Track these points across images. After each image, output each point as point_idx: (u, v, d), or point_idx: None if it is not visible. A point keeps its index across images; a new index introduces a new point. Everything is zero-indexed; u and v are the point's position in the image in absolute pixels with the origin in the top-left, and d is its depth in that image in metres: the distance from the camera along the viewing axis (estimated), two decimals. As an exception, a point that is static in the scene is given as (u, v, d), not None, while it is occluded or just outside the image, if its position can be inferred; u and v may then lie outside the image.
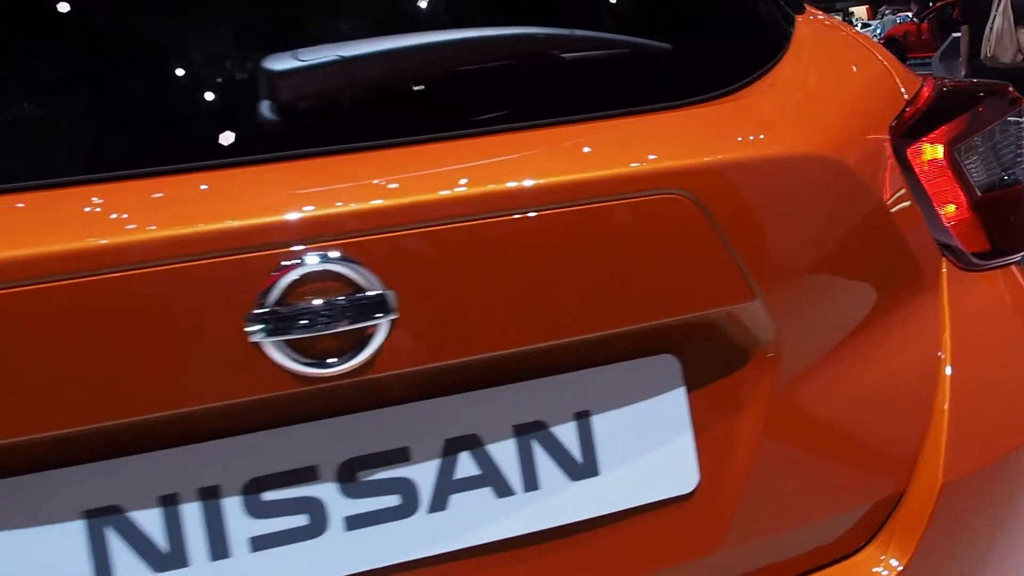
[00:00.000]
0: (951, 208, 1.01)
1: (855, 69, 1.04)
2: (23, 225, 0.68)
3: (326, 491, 0.75)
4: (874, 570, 0.88)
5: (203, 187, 0.72)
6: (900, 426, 0.92)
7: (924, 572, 0.89)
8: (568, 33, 0.84)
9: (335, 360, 0.70)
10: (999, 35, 5.90)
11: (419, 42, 0.78)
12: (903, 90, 1.03)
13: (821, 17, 1.13)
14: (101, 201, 0.69)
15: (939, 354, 0.95)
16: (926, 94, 1.03)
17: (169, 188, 0.71)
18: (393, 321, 0.71)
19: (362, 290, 0.70)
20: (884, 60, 1.09)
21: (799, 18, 1.05)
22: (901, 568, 0.88)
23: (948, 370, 0.94)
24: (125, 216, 0.69)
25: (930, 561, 0.89)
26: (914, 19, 9.91)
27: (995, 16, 5.99)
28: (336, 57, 0.75)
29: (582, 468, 0.80)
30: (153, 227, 0.68)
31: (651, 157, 0.79)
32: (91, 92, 0.79)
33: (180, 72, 0.83)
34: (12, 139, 0.76)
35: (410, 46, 0.78)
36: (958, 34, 6.89)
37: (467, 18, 0.89)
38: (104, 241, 0.66)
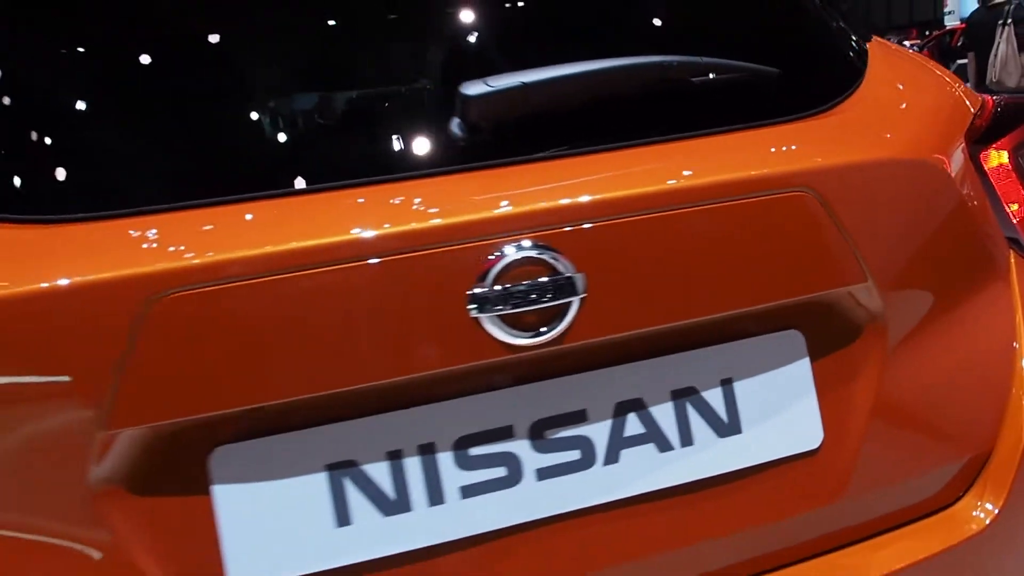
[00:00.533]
0: (1015, 206, 1.16)
1: (925, 84, 1.19)
2: (299, 224, 0.82)
3: (520, 447, 0.89)
4: (974, 514, 1.01)
5: (415, 194, 0.87)
6: (987, 392, 1.06)
7: (1016, 514, 1.02)
8: (698, 60, 1.00)
9: (536, 332, 0.84)
10: (1003, 61, 6.12)
11: (581, 70, 0.94)
12: (968, 103, 1.18)
13: (883, 42, 1.29)
14: (357, 202, 0.84)
15: (1014, 331, 1.09)
16: (990, 107, 1.18)
17: (400, 192, 0.85)
18: (582, 299, 0.85)
19: (558, 273, 0.84)
20: (946, 76, 1.24)
21: (869, 44, 1.21)
22: (997, 511, 1.01)
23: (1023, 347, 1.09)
24: (365, 216, 0.83)
25: (1021, 504, 1.02)
26: (915, 48, 10.15)
27: (999, 43, 6.22)
28: (518, 83, 0.90)
29: (728, 427, 0.94)
30: (388, 225, 0.82)
31: (780, 162, 0.94)
32: (352, 116, 0.95)
33: (407, 98, 0.99)
34: (301, 151, 0.92)
35: (574, 73, 0.93)
36: (962, 61, 7.13)
37: (609, 49, 1.05)
38: (358, 235, 0.81)
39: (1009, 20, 6.33)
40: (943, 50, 9.26)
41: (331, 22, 1.04)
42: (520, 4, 1.11)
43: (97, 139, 0.90)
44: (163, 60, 0.94)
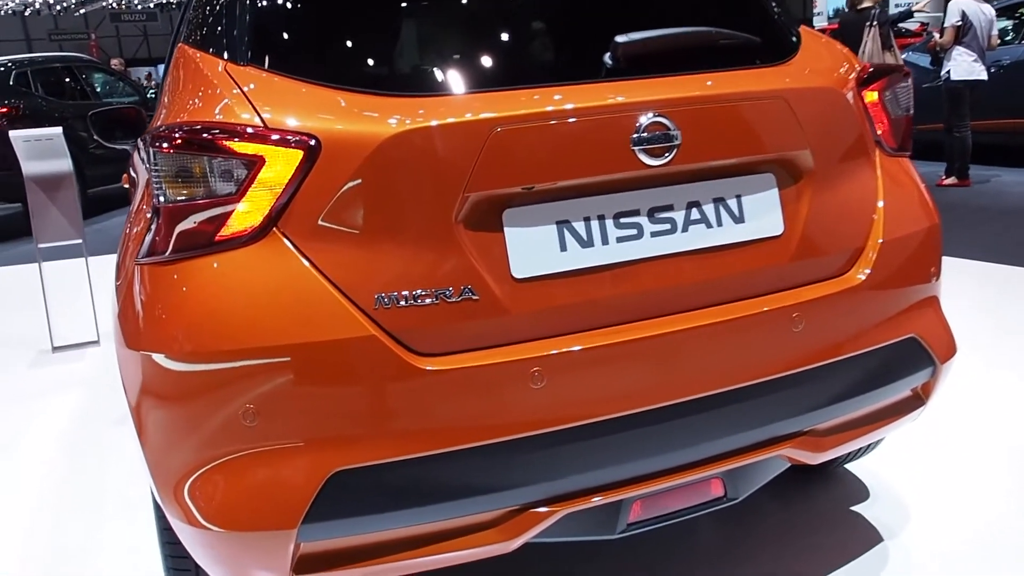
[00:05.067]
0: (880, 125, 2.12)
1: (834, 52, 2.14)
2: (564, 99, 1.70)
3: (643, 220, 1.77)
4: (858, 277, 1.96)
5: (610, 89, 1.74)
6: (861, 215, 2.01)
7: (876, 277, 1.97)
8: (729, 33, 1.92)
9: (659, 160, 1.73)
10: (870, 55, 7.39)
11: (674, 32, 1.84)
12: (856, 64, 2.14)
13: (806, 27, 2.24)
14: (594, 88, 1.72)
15: (875, 187, 2.06)
16: (868, 66, 2.15)
17: (610, 87, 1.74)
18: (679, 144, 1.74)
19: (669, 129, 1.73)
20: (842, 48, 2.21)
21: (800, 28, 2.16)
22: (867, 274, 1.96)
23: (880, 195, 2.05)
24: (592, 95, 1.71)
25: (878, 273, 1.98)
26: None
27: (866, 41, 7.50)
28: (648, 35, 1.79)
29: (738, 219, 1.85)
30: (604, 100, 1.70)
31: (770, 84, 1.86)
32: (583, 50, 1.82)
33: (606, 40, 1.85)
34: (563, 64, 1.79)
35: (673, 34, 1.83)
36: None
37: (685, 20, 1.94)
38: (587, 104, 1.69)
39: (874, 22, 7.63)
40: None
41: None
42: None
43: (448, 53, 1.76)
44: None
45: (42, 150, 4.85)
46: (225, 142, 1.62)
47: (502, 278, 1.67)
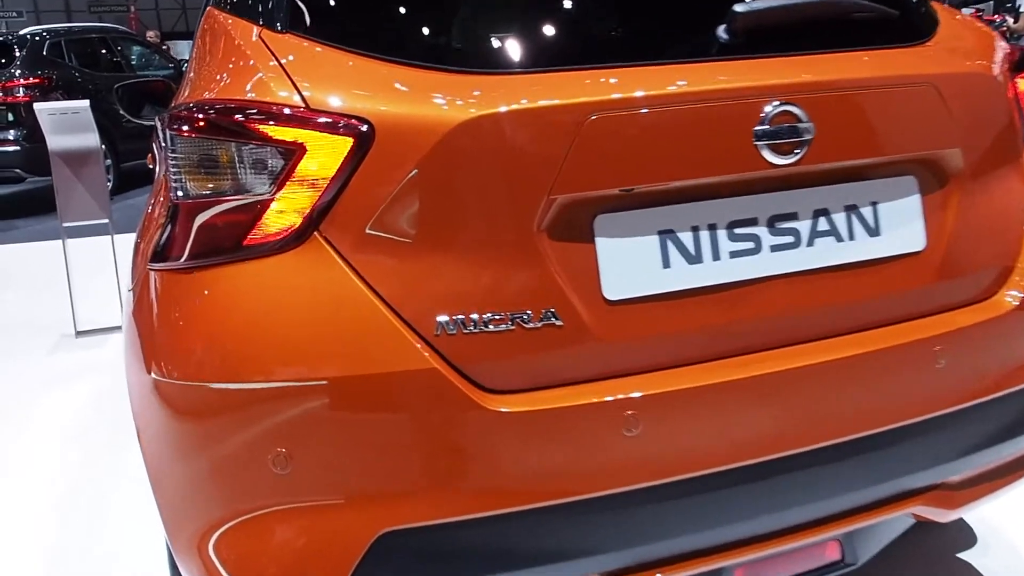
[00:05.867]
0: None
1: (977, 29, 1.79)
2: (667, 80, 1.38)
3: (762, 231, 1.45)
4: (1006, 300, 1.63)
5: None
6: (1011, 228, 1.67)
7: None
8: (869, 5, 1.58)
9: (786, 158, 1.40)
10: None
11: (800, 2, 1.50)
12: (1004, 45, 1.79)
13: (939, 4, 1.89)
14: (704, 69, 1.39)
15: (1028, 195, 1.72)
16: (1016, 48, 1.80)
17: (725, 67, 1.41)
18: (811, 139, 1.41)
19: (800, 120, 1.40)
20: (982, 24, 1.86)
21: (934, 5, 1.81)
22: (1019, 301, 1.62)
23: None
24: (704, 76, 1.38)
25: None
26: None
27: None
28: (773, 3, 1.46)
29: (873, 231, 1.52)
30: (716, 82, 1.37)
31: (911, 63, 1.53)
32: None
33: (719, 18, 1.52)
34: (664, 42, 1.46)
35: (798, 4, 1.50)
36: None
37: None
38: (701, 88, 1.36)
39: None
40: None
41: None
42: None
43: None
44: None
45: (69, 124, 4.61)
46: (258, 125, 1.32)
47: (592, 300, 1.37)
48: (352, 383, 1.28)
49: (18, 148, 8.69)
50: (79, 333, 4.66)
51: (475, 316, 1.32)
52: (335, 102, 1.34)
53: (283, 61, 1.41)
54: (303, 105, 1.34)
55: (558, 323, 1.35)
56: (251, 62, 1.45)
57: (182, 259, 1.36)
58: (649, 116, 1.35)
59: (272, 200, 1.32)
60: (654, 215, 1.40)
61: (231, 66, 1.52)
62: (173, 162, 1.37)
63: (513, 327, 1.33)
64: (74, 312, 4.68)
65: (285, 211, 1.33)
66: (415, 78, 1.37)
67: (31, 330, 4.79)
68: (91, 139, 4.62)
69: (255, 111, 1.33)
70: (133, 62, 10.85)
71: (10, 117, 8.84)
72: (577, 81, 1.36)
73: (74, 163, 4.61)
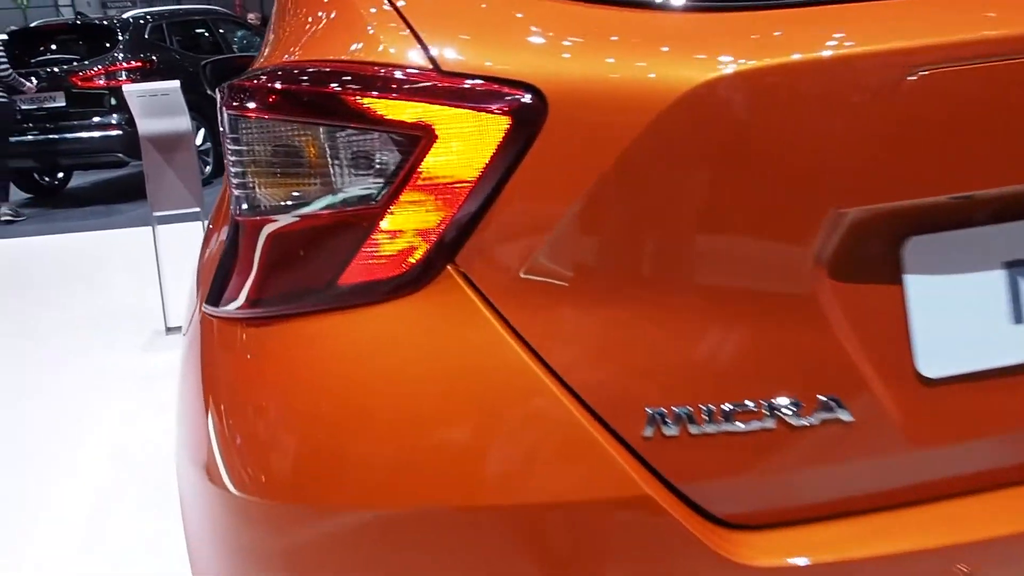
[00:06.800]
0: None
1: None
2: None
3: None
4: None
5: None
6: None
7: None
8: None
9: None
10: None
11: None
12: None
13: None
14: None
15: None
16: None
17: None
18: None
19: None
20: None
21: None
22: None
23: None
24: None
25: None
26: None
27: None
28: None
29: None
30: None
31: None
32: None
33: None
34: None
35: None
36: None
37: None
38: None
39: None
40: None
41: None
42: None
43: None
44: None
45: (159, 106, 4.29)
46: (362, 100, 0.83)
47: (899, 377, 0.83)
48: (514, 516, 0.79)
49: (120, 132, 8.57)
50: (169, 330, 4.35)
51: (707, 407, 0.80)
52: (481, 61, 0.83)
53: (399, 3, 0.91)
54: (431, 67, 0.83)
55: (844, 417, 0.82)
56: (352, 6, 0.95)
57: (243, 303, 0.89)
58: (1001, 76, 0.80)
59: (383, 215, 0.83)
60: (1001, 237, 0.85)
61: (323, 14, 1.02)
62: (234, 157, 0.89)
63: (769, 425, 0.81)
64: (164, 307, 4.37)
65: (403, 232, 0.83)
66: (609, 18, 0.85)
67: (123, 323, 4.53)
68: (182, 123, 4.30)
69: (356, 77, 0.84)
70: (235, 45, 10.67)
71: (112, 101, 8.73)
72: (878, 15, 0.82)
73: (165, 148, 4.29)
